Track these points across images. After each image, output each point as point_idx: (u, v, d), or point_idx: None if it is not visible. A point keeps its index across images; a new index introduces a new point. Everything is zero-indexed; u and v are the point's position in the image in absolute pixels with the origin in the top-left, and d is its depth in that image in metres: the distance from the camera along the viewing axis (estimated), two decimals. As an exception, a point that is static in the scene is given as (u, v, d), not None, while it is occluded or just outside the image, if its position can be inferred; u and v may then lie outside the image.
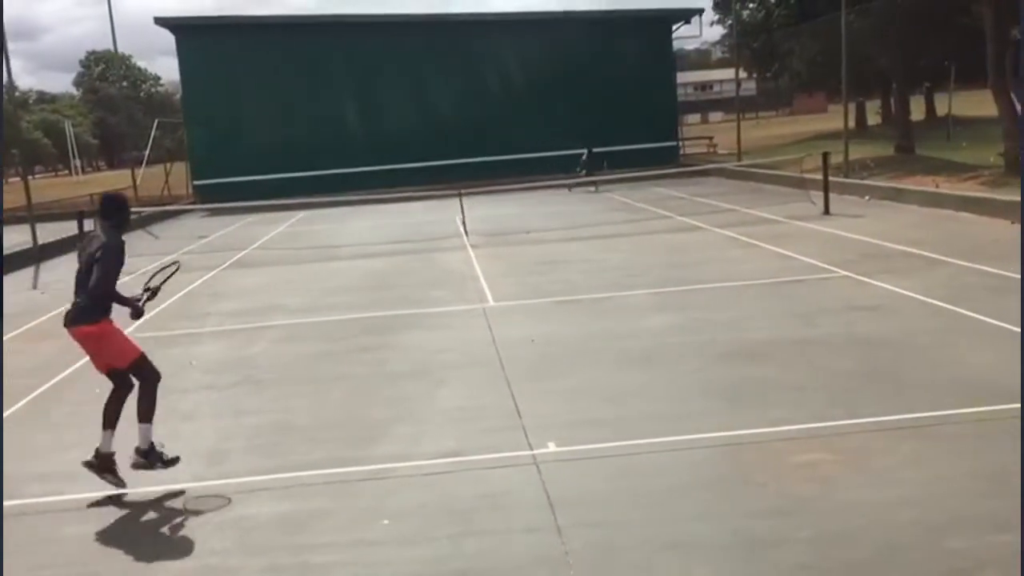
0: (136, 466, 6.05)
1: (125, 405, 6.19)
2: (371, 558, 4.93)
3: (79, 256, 6.20)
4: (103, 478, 6.04)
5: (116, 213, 6.29)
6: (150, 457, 6.06)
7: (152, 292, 6.42)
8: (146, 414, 6.03)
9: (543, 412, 7.13)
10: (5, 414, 8.20)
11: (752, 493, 5.36)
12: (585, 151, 29.58)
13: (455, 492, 5.72)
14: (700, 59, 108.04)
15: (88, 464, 6.06)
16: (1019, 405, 6.18)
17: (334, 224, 24.72)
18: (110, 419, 6.11)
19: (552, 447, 6.32)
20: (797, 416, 6.58)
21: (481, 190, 24.10)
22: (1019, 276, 10.68)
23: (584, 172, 29.00)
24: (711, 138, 44.70)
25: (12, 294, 15.97)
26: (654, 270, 13.33)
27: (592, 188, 28.74)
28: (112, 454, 6.05)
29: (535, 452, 6.26)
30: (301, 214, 28.65)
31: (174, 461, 6.14)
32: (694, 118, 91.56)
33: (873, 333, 8.87)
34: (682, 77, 54.83)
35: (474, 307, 11.56)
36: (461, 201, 21.11)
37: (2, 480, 6.14)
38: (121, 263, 6.07)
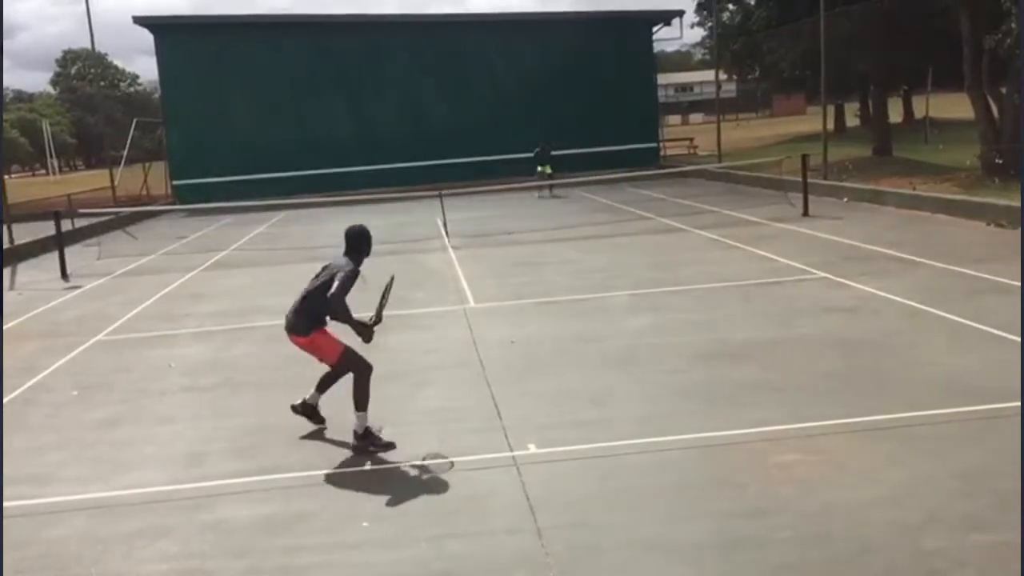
0: (356, 449, 6.53)
1: (339, 384, 6.89)
2: (352, 560, 4.92)
3: (317, 276, 6.78)
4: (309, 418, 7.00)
5: (359, 241, 6.84)
6: (367, 439, 6.54)
7: (379, 316, 6.70)
8: (360, 403, 6.55)
9: (523, 413, 7.14)
10: (-19, 417, 8.12)
11: (732, 494, 5.39)
12: (538, 147, 29.14)
13: (436, 493, 5.72)
14: (681, 61, 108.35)
15: (293, 408, 7.00)
16: (999, 405, 6.26)
17: (313, 225, 24.61)
18: (321, 385, 6.96)
19: (532, 448, 6.33)
20: (776, 417, 6.62)
21: (463, 191, 24.07)
22: (997, 278, 10.81)
23: (545, 170, 28.63)
24: (692, 139, 44.88)
25: (-12, 295, 15.81)
26: (634, 271, 13.37)
27: (546, 193, 28.34)
28: (315, 405, 7.01)
29: (515, 453, 6.27)
30: (280, 215, 28.53)
31: (390, 445, 6.52)
32: (675, 119, 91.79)
33: (851, 334, 8.94)
34: (663, 79, 54.89)
35: (455, 308, 11.56)
36: (442, 202, 21.11)
37: (2, 480, 6.10)
38: (351, 286, 6.56)
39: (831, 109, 41.51)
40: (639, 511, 5.24)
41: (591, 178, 27.35)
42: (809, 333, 9.10)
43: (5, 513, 5.90)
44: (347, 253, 6.73)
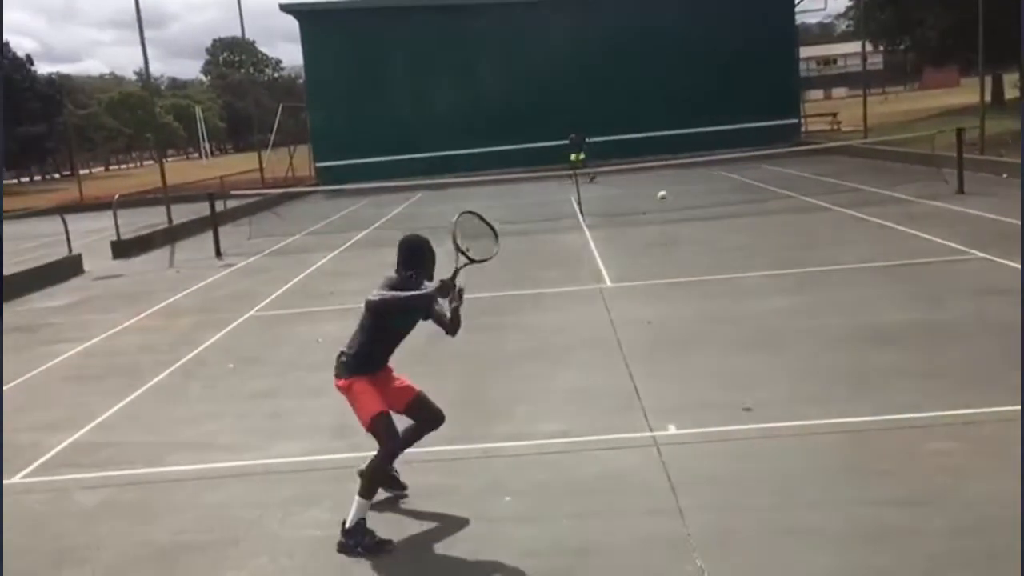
0: (340, 546, 4.97)
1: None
2: (493, 534, 5.02)
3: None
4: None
5: (406, 254, 5.41)
6: (356, 536, 4.96)
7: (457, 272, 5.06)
8: (366, 489, 5.07)
9: (662, 394, 7.10)
10: (145, 387, 8.68)
11: (881, 481, 5.21)
12: (571, 136, 28.99)
13: (575, 472, 5.77)
14: (824, 33, 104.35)
15: (360, 473, 5.30)
16: None
17: (449, 205, 24.99)
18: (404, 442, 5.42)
19: (672, 429, 6.29)
20: (926, 403, 6.35)
21: (598, 170, 24.00)
22: None
23: (578, 158, 28.42)
24: (835, 115, 43.21)
25: (150, 273, 16.85)
26: (774, 251, 13.03)
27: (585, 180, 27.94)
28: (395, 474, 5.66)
29: (655, 434, 6.24)
30: (418, 195, 29.14)
31: (382, 546, 4.95)
32: (816, 94, 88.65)
33: (1009, 318, 8.44)
34: (804, 52, 53.08)
35: (591, 288, 11.56)
36: (576, 181, 21.09)
37: (2, 462, 6.51)
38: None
39: (988, 80, 39.13)
40: (783, 496, 5.14)
41: (726, 156, 26.77)
42: (964, 316, 8.68)
43: (170, 477, 6.32)
44: (397, 269, 5.33)
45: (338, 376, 5.27)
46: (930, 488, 5.06)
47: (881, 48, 50.64)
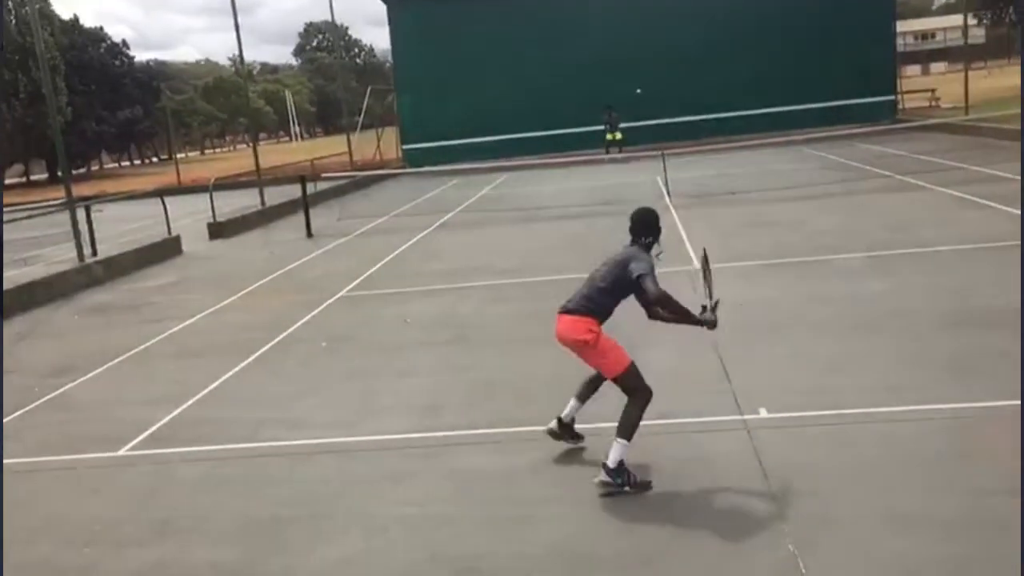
0: (604, 485, 5.29)
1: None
2: (586, 514, 5.03)
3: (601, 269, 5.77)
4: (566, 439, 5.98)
5: (640, 226, 5.68)
6: (620, 475, 5.28)
7: (711, 297, 5.68)
8: (626, 430, 5.34)
9: (753, 377, 6.98)
10: (242, 365, 8.93)
11: (986, 469, 5.03)
12: (606, 115, 28.90)
13: (666, 454, 5.73)
14: (921, 7, 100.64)
15: (550, 433, 5.93)
16: None
17: (534, 186, 25.04)
18: (584, 393, 5.92)
19: (764, 413, 6.18)
20: (1035, 390, 6.09)
21: (681, 150, 23.65)
22: None
23: (615, 137, 28.44)
24: (933, 91, 41.63)
25: (244, 254, 17.32)
26: (871, 232, 12.65)
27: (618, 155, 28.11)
28: (572, 422, 5.97)
29: (746, 417, 6.15)
30: (503, 176, 29.20)
31: (646, 486, 5.29)
32: (913, 70, 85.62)
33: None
34: (901, 26, 51.22)
35: (679, 270, 11.37)
36: (664, 161, 20.82)
37: (2, 442, 6.67)
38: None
39: (1101, 52, 37.12)
40: (880, 482, 5.01)
41: (820, 134, 26.04)
42: (1075, 300, 8.28)
43: (267, 452, 6.50)
44: (634, 241, 5.65)
45: (588, 315, 5.48)
46: (1039, 478, 4.86)
47: (984, 21, 48.53)
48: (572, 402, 5.92)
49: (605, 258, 5.70)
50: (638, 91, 30.60)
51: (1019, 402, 5.90)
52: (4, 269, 13.52)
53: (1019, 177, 16.24)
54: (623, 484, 5.23)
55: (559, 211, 18.54)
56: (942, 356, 7.06)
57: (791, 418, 6.08)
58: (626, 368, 5.45)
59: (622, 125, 31.88)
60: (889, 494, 4.87)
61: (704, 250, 6.00)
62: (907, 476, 5.07)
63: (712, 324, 5.58)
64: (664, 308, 5.54)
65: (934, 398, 6.14)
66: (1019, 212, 12.82)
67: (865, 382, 6.62)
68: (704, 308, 5.59)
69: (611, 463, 5.25)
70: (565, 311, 5.60)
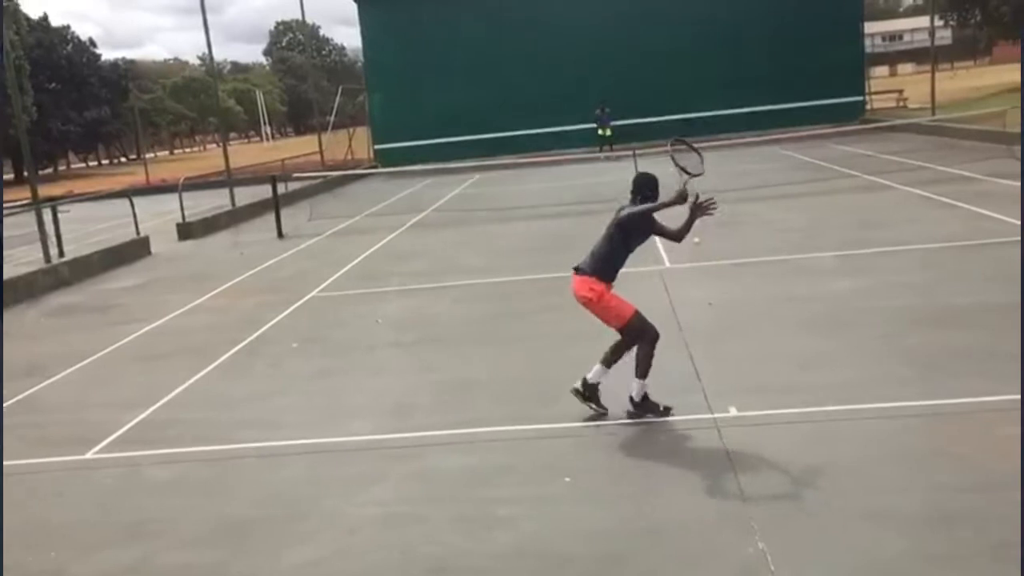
0: (632, 415, 6.27)
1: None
2: (555, 513, 5.04)
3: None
4: (587, 404, 6.45)
5: (641, 187, 6.53)
6: (644, 407, 6.27)
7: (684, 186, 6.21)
8: (643, 370, 6.23)
9: (723, 376, 7.04)
10: (212, 366, 8.87)
11: (951, 466, 5.10)
12: (599, 111, 29.37)
13: (636, 452, 5.76)
14: (889, 8, 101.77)
15: (575, 392, 6.46)
16: None
17: (508, 186, 25.06)
18: (610, 359, 6.40)
19: (734, 411, 6.23)
20: (1002, 387, 6.16)
21: (653, 150, 23.73)
22: None
23: (605, 133, 28.94)
24: (901, 91, 42.11)
25: (214, 254, 17.19)
26: (839, 231, 12.79)
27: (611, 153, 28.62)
28: (598, 385, 6.43)
29: (716, 416, 6.19)
30: (476, 176, 29.19)
31: (668, 410, 6.28)
32: (881, 71, 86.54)
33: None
34: (869, 27, 51.76)
35: (650, 269, 11.45)
36: (635, 162, 20.88)
37: (2, 442, 6.67)
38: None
39: (1064, 53, 37.73)
40: (848, 480, 5.06)
41: (788, 134, 26.26)
42: (1038, 298, 8.42)
43: (238, 454, 6.46)
44: (633, 200, 6.48)
45: (592, 275, 6.24)
46: (1004, 474, 4.93)
47: (951, 22, 49.16)
48: (597, 366, 6.39)
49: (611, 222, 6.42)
50: (603, 108, 30.90)
51: (991, 398, 6.00)
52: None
53: (984, 177, 16.49)
54: (647, 411, 6.23)
55: (533, 211, 18.57)
56: (909, 354, 7.15)
57: (761, 416, 6.13)
58: (630, 318, 6.21)
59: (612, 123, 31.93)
60: (857, 491, 4.92)
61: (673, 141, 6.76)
62: (875, 473, 5.13)
63: (683, 198, 6.10)
64: (656, 216, 6.34)
65: (901, 395, 6.22)
66: (985, 211, 13.02)
67: (834, 380, 6.69)
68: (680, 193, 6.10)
69: (636, 397, 6.25)
70: (576, 270, 6.37)
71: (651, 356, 6.21)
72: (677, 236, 6.56)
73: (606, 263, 6.28)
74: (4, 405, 8.15)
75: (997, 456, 5.15)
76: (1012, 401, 5.87)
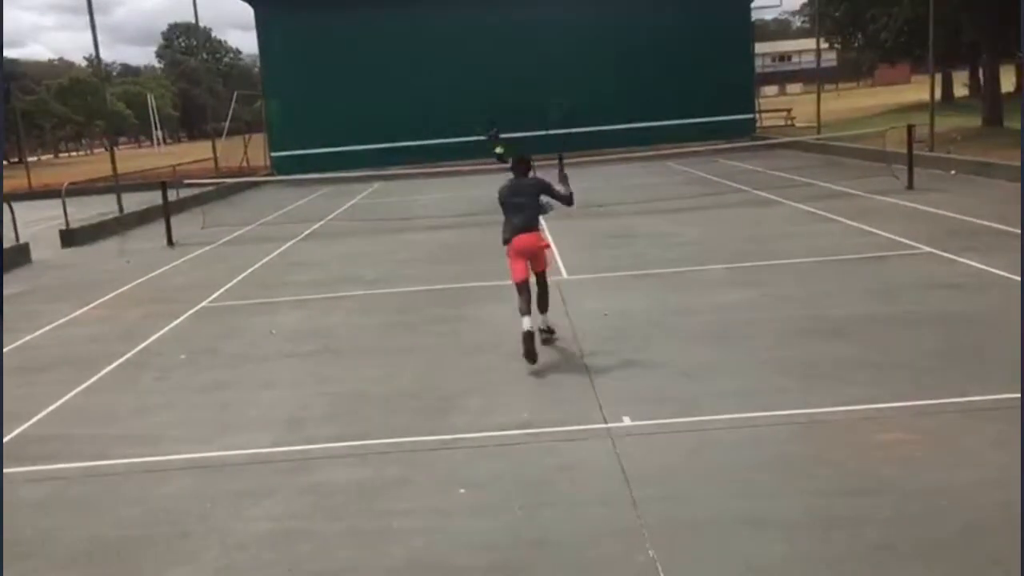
0: (546, 342, 8.45)
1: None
2: (449, 525, 5.01)
3: (508, 197, 8.37)
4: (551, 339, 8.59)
5: (527, 166, 8.64)
6: (551, 332, 8.67)
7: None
8: (546, 307, 8.63)
9: (617, 385, 7.13)
10: (94, 379, 8.53)
11: (830, 472, 5.29)
12: (492, 129, 30.07)
13: (530, 463, 5.77)
14: (779, 29, 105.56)
15: (540, 335, 8.38)
16: None
17: (406, 196, 24.94)
18: (542, 304, 8.57)
19: (627, 421, 6.32)
20: (877, 395, 6.45)
21: (548, 162, 23.97)
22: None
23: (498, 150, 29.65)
24: (789, 110, 43.72)
25: (100, 263, 16.55)
26: (729, 245, 13.15)
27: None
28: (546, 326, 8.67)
29: (610, 425, 6.27)
30: (375, 185, 28.96)
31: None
32: (771, 90, 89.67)
33: (957, 311, 8.63)
34: (760, 48, 53.58)
35: (552, 279, 11.55)
36: (533, 174, 21.04)
37: (2, 448, 6.39)
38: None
39: (938, 78, 39.85)
40: (735, 486, 5.19)
41: (682, 150, 26.91)
42: (912, 310, 8.83)
43: (119, 470, 6.21)
44: (517, 174, 8.54)
45: (535, 229, 8.31)
46: (880, 479, 5.14)
47: (836, 45, 51.29)
48: (539, 316, 8.48)
49: (513, 196, 8.36)
50: (494, 130, 31.19)
51: (868, 406, 6.25)
52: None
53: (866, 194, 17.23)
54: (554, 332, 8.64)
55: (431, 221, 18.51)
56: (796, 364, 7.38)
57: (653, 425, 6.24)
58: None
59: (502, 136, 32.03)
60: (743, 497, 5.05)
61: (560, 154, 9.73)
62: (759, 479, 5.28)
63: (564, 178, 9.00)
64: (560, 189, 8.73)
65: (783, 404, 6.42)
66: (865, 227, 13.59)
67: (723, 389, 6.86)
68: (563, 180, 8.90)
69: (549, 325, 8.64)
70: (523, 231, 8.18)
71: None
72: (567, 201, 8.82)
73: (535, 221, 8.30)
74: None
75: (872, 462, 5.37)
76: (882, 409, 6.18)
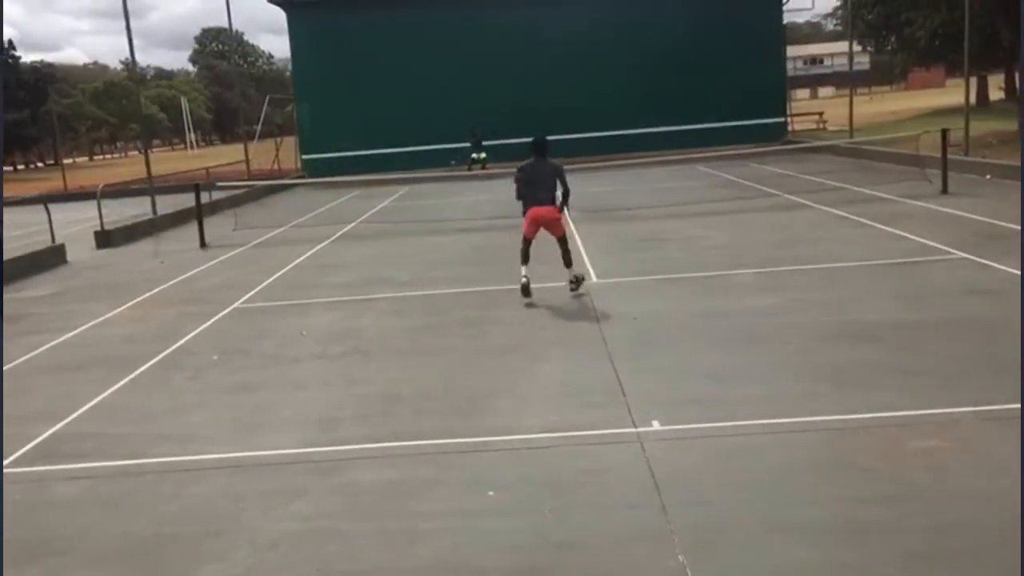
0: (573, 290, 10.79)
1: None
2: (476, 527, 5.03)
3: (532, 175, 10.53)
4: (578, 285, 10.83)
5: (546, 147, 10.55)
6: (580, 282, 10.88)
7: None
8: (571, 261, 10.87)
9: (647, 389, 7.11)
10: (128, 379, 8.65)
11: (861, 478, 5.25)
12: (473, 134, 30.06)
13: (558, 466, 5.77)
14: (811, 32, 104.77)
15: (571, 287, 10.82)
16: None
17: (436, 199, 25.03)
18: (567, 259, 10.79)
19: (656, 425, 6.30)
20: (909, 401, 6.39)
21: (578, 167, 23.97)
22: None
23: (479, 157, 29.62)
24: (821, 114, 43.38)
25: (134, 264, 16.77)
26: (759, 249, 13.08)
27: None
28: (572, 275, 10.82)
29: (639, 430, 6.26)
30: (405, 188, 29.09)
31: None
32: (803, 93, 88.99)
33: (992, 318, 8.52)
34: (792, 51, 53.22)
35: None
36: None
37: (2, 445, 6.47)
38: None
39: (973, 81, 39.32)
40: (766, 492, 5.16)
41: (712, 153, 26.80)
42: (946, 316, 8.73)
43: (152, 468, 6.30)
44: (539, 156, 10.56)
45: (553, 205, 10.60)
46: (911, 486, 5.10)
47: (868, 48, 50.85)
48: (566, 270, 10.82)
49: (535, 174, 10.54)
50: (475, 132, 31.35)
51: (899, 413, 6.19)
52: None
53: (898, 199, 17.06)
54: (582, 280, 10.90)
55: (461, 224, 18.57)
56: (826, 369, 7.33)
57: (683, 430, 6.21)
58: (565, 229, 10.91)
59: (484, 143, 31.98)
60: (773, 503, 5.03)
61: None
62: (790, 485, 5.24)
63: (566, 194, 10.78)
64: (567, 191, 10.70)
65: (813, 410, 6.37)
66: (898, 231, 13.46)
67: (753, 394, 6.83)
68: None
69: (575, 275, 10.84)
70: (540, 204, 10.47)
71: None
72: (567, 190, 10.73)
73: (553, 198, 10.55)
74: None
75: (905, 469, 5.31)
76: (918, 416, 6.11)
